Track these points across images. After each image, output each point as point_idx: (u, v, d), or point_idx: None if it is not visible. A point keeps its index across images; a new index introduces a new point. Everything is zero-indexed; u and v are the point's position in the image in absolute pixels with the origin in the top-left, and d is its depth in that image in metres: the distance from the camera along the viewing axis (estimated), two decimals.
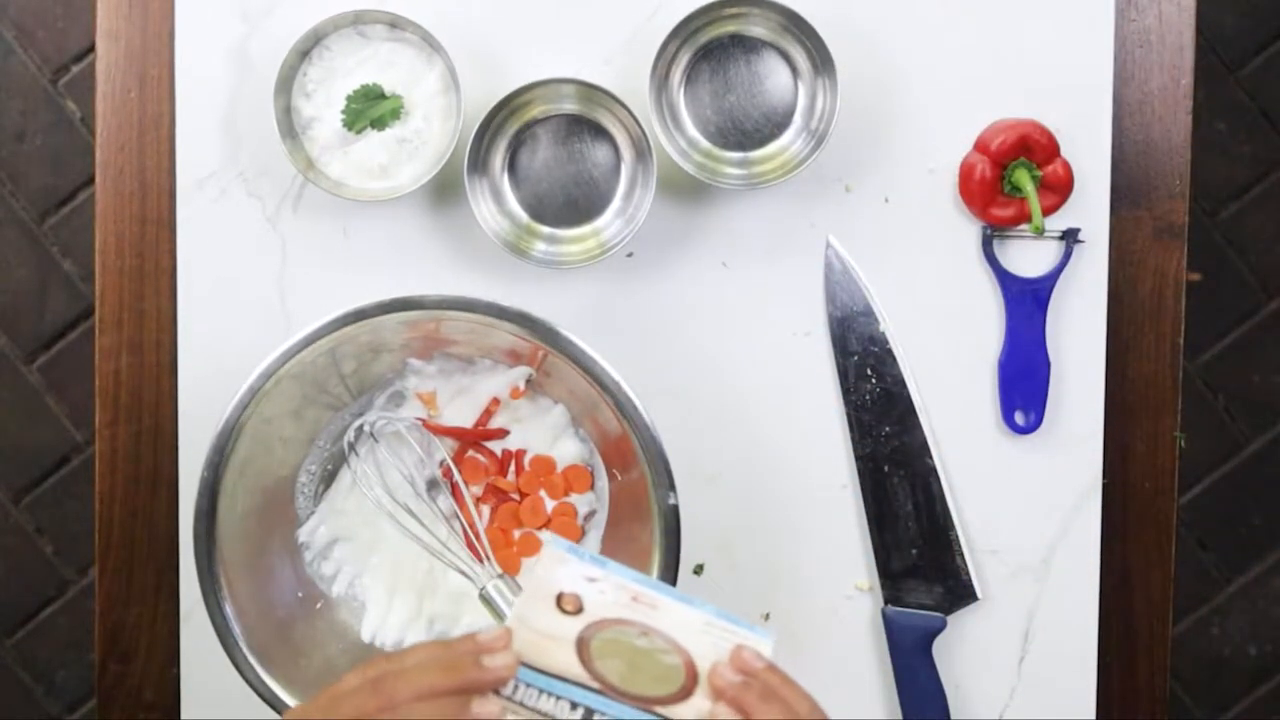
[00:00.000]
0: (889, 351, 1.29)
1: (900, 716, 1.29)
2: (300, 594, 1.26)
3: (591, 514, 1.28)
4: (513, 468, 1.26)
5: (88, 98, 2.16)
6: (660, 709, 0.94)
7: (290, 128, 1.25)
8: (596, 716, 0.93)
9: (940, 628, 1.28)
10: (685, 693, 0.95)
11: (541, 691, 0.94)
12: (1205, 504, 2.21)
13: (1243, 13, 2.18)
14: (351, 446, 1.23)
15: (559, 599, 0.98)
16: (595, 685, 0.94)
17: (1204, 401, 2.20)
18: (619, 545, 1.24)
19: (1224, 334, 2.20)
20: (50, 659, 2.23)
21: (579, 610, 0.97)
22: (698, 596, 1.00)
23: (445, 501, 1.25)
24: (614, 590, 0.99)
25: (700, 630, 0.98)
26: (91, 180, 1.32)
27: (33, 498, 2.22)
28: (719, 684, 0.95)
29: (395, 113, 1.25)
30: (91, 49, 1.36)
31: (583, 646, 0.96)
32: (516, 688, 0.94)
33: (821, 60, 1.23)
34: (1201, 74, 2.09)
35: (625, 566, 1.00)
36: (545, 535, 1.02)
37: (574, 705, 0.93)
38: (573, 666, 0.94)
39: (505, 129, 1.26)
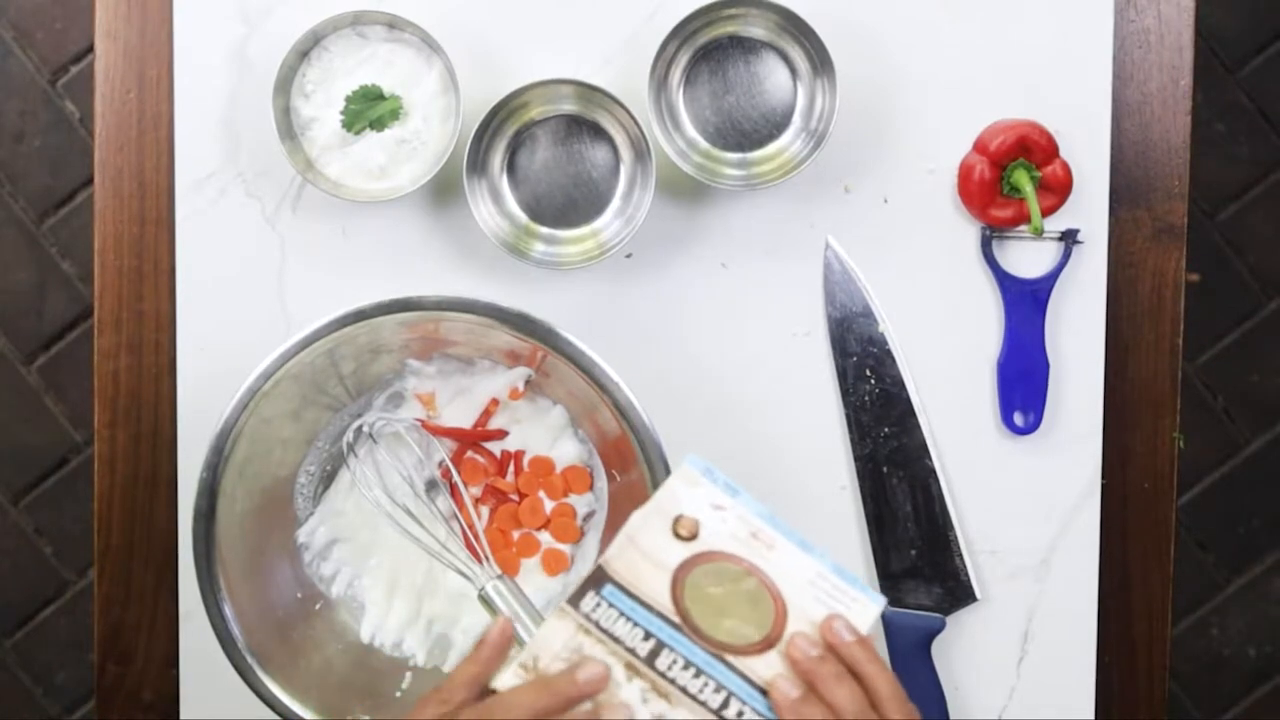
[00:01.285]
0: (888, 352, 1.29)
1: None
2: (299, 595, 1.26)
3: (591, 515, 1.28)
4: (512, 468, 1.26)
5: (87, 99, 2.16)
6: (732, 657, 0.93)
7: (289, 128, 1.25)
8: (665, 651, 0.93)
9: (939, 628, 1.28)
10: (767, 644, 0.95)
11: (621, 615, 0.93)
12: (1205, 505, 2.21)
13: (1242, 14, 2.18)
14: (350, 447, 1.23)
15: (677, 521, 0.97)
16: (676, 619, 0.93)
17: (1203, 402, 2.20)
18: None
19: (1223, 335, 2.20)
20: (49, 660, 2.23)
21: (693, 537, 0.96)
22: (821, 546, 0.98)
23: (444, 502, 1.25)
24: (735, 522, 0.97)
25: (808, 582, 0.97)
26: (90, 181, 1.32)
27: (32, 498, 2.22)
28: (795, 655, 0.94)
29: (394, 113, 1.24)
30: (90, 50, 1.36)
31: (679, 578, 0.95)
32: (599, 604, 0.94)
33: (820, 61, 1.23)
34: (1201, 75, 2.09)
35: (755, 500, 0.99)
36: (689, 456, 1.00)
37: (647, 635, 0.93)
38: (661, 596, 0.94)
39: (504, 130, 1.26)
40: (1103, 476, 1.30)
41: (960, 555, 1.29)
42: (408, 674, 1.25)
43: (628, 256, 1.29)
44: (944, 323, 1.29)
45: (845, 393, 1.29)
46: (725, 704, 0.93)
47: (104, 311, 1.30)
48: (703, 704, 0.92)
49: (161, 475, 1.30)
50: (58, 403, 2.21)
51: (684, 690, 0.92)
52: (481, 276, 1.29)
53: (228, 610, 1.18)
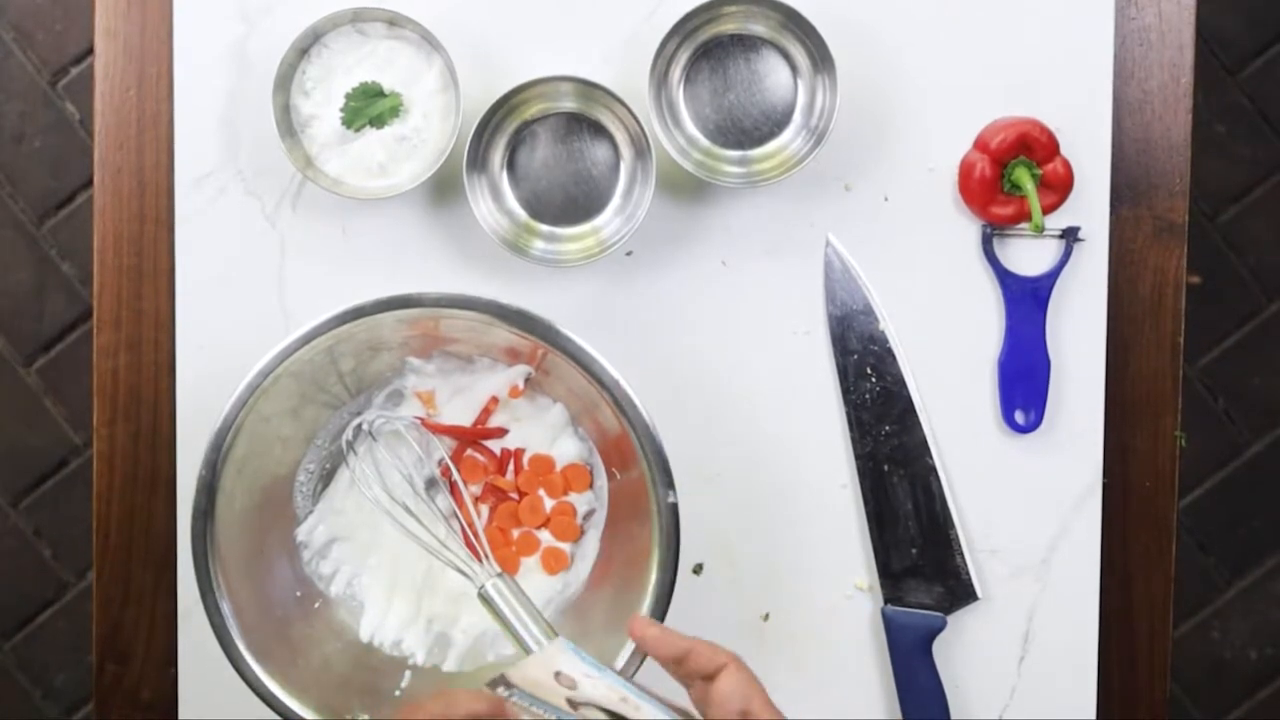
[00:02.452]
0: (889, 350, 1.28)
1: (900, 716, 1.29)
2: (298, 593, 1.25)
3: (590, 513, 1.27)
4: (511, 467, 1.26)
5: (87, 100, 2.16)
6: None
7: (289, 126, 1.25)
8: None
9: (940, 627, 1.28)
10: None
11: (533, 704, 0.99)
12: (1205, 507, 2.21)
13: (1242, 16, 2.18)
14: (350, 445, 1.23)
15: (557, 675, 1.02)
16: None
17: (1204, 404, 2.20)
18: (618, 544, 1.24)
19: (1224, 337, 2.20)
20: (48, 662, 2.22)
21: (572, 688, 1.01)
22: (677, 713, 1.01)
23: (444, 500, 1.24)
24: (605, 688, 1.01)
25: None
26: (90, 183, 1.32)
27: (31, 500, 2.22)
28: None
29: (394, 110, 1.24)
30: (90, 52, 1.35)
31: (575, 706, 1.00)
32: (512, 696, 0.99)
33: (821, 58, 1.23)
34: (1201, 77, 2.09)
35: (620, 677, 1.04)
36: (560, 640, 1.09)
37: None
38: (560, 702, 1.00)
39: (504, 127, 1.26)
40: (1104, 475, 1.29)
41: (961, 554, 1.29)
42: (407, 673, 1.25)
43: (628, 254, 1.29)
44: (945, 321, 1.29)
45: (846, 391, 1.29)
46: None
47: (103, 309, 1.30)
48: None
49: (160, 474, 1.30)
50: (57, 405, 2.21)
51: None
52: (481, 274, 1.28)
53: (226, 609, 1.18)
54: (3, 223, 2.19)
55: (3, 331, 2.20)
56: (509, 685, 1.01)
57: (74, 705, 2.22)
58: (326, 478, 1.27)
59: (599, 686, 1.02)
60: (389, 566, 1.26)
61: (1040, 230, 1.25)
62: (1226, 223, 2.19)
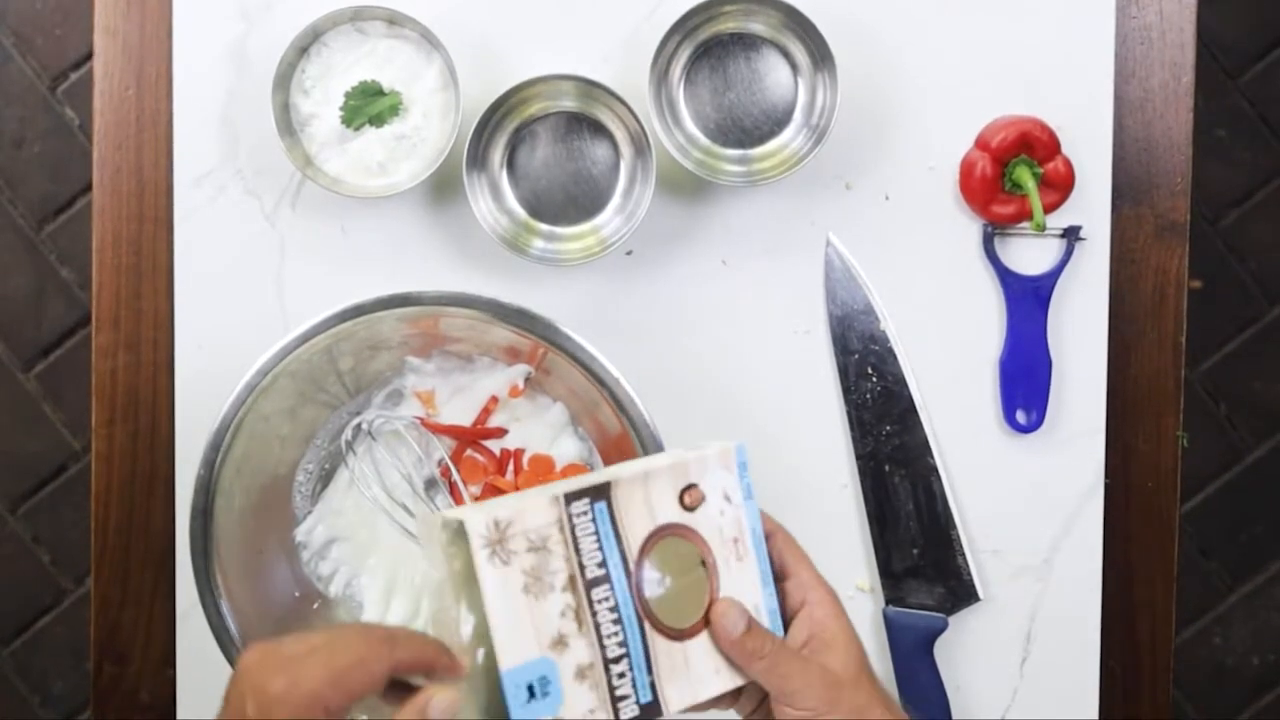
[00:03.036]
0: (889, 350, 1.28)
1: None
2: (297, 594, 1.25)
3: None
4: (511, 467, 1.25)
5: (86, 105, 2.16)
6: (649, 627, 0.94)
7: (288, 125, 1.25)
8: (606, 587, 0.92)
9: (941, 628, 1.28)
10: (679, 636, 0.95)
11: (596, 534, 0.92)
12: (1207, 512, 2.21)
13: (1243, 20, 2.18)
14: (349, 445, 1.23)
15: (689, 489, 0.96)
16: (631, 568, 0.93)
17: (1205, 409, 2.20)
18: None
19: (1225, 341, 2.20)
20: (47, 668, 2.22)
21: (691, 509, 0.96)
22: (774, 591, 0.98)
23: (443, 501, 1.24)
24: (730, 521, 0.97)
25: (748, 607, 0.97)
26: (89, 188, 1.32)
27: (29, 506, 2.21)
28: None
29: (394, 109, 1.24)
30: (90, 57, 1.35)
31: (655, 535, 0.94)
32: (586, 513, 0.92)
33: (821, 57, 1.23)
34: (1202, 81, 2.09)
35: (759, 515, 0.98)
36: (740, 444, 0.99)
37: (602, 564, 0.92)
38: (634, 540, 0.94)
39: (504, 126, 1.25)
40: (1106, 475, 1.29)
41: (962, 554, 1.28)
42: None
43: (628, 253, 1.28)
44: (946, 320, 1.28)
45: (847, 390, 1.29)
46: (618, 660, 0.93)
47: (102, 309, 1.30)
48: (602, 650, 0.92)
49: (159, 473, 1.30)
50: (56, 410, 2.21)
51: (597, 628, 0.92)
52: (481, 274, 1.28)
53: (225, 609, 1.17)
54: (2, 228, 2.19)
55: (1, 336, 2.20)
56: (600, 498, 0.93)
57: (72, 711, 2.21)
58: (325, 478, 1.27)
59: (725, 515, 0.97)
60: (388, 567, 1.26)
61: (1041, 229, 1.25)
62: (1228, 227, 2.18)
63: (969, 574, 1.28)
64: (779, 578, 0.99)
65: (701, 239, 1.29)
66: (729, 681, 0.96)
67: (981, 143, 1.26)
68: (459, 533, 0.89)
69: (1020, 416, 1.28)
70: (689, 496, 0.96)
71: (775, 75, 1.26)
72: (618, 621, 0.93)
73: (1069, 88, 1.27)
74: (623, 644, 0.93)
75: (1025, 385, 1.28)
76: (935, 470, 1.28)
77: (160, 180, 1.29)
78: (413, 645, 0.88)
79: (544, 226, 1.27)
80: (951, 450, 1.29)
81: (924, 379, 1.29)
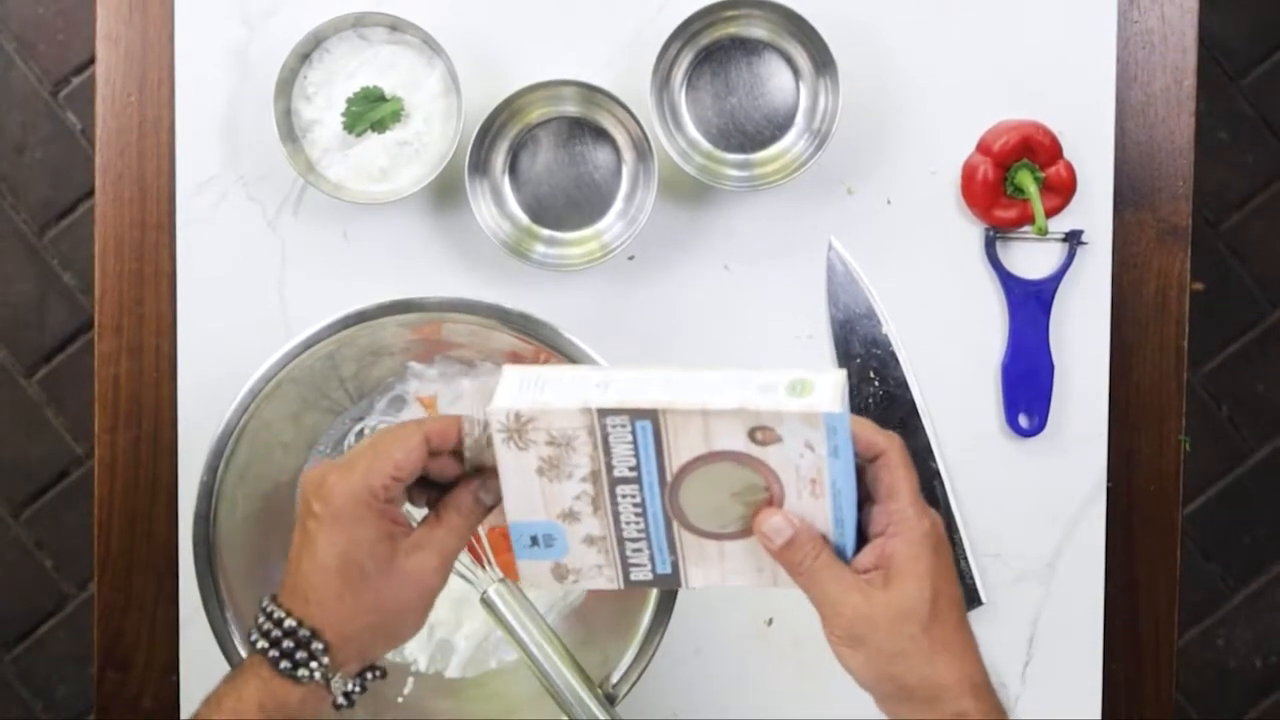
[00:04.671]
0: (891, 354, 1.28)
1: None
2: None
3: None
4: None
5: (88, 110, 2.16)
6: (680, 526, 0.92)
7: (290, 131, 1.25)
8: (633, 487, 0.90)
9: None
10: (720, 537, 0.93)
11: (632, 444, 0.89)
12: (1210, 515, 2.20)
13: (1245, 22, 2.18)
14: None
15: (761, 429, 0.88)
16: (668, 479, 0.90)
17: (1208, 412, 2.19)
18: None
19: (1227, 344, 2.19)
20: (50, 674, 2.22)
21: (764, 445, 0.88)
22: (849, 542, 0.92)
23: None
24: (809, 465, 0.89)
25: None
26: (91, 192, 1.32)
27: (32, 511, 2.21)
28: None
29: (396, 115, 1.24)
30: (92, 62, 1.35)
31: (709, 458, 0.89)
32: (623, 427, 0.88)
33: (823, 61, 1.23)
34: (1204, 83, 2.09)
35: (847, 473, 0.89)
36: (824, 410, 0.86)
37: (633, 468, 0.90)
38: (677, 461, 0.90)
39: (506, 131, 1.26)
40: (1108, 479, 1.29)
41: (965, 558, 1.28)
42: (409, 679, 1.24)
43: (630, 258, 1.28)
44: (948, 324, 1.29)
45: (849, 394, 1.28)
46: (635, 540, 0.92)
47: (104, 316, 1.30)
48: (618, 530, 0.92)
49: (162, 480, 1.30)
50: (58, 415, 2.20)
51: (615, 515, 0.91)
52: (483, 279, 1.28)
53: (228, 615, 1.17)
54: (4, 233, 2.19)
55: (4, 342, 2.20)
56: (640, 419, 0.88)
57: (75, 717, 2.21)
58: None
59: (805, 459, 0.88)
60: None
61: (1043, 233, 1.25)
62: (1229, 230, 2.18)
63: (971, 578, 1.28)
64: (872, 499, 0.91)
65: (703, 244, 1.29)
66: (771, 580, 0.94)
67: (983, 147, 1.26)
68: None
69: (1022, 420, 1.28)
70: (762, 434, 0.88)
71: (777, 80, 1.26)
72: (641, 515, 0.92)
73: (1071, 92, 1.27)
74: (642, 531, 0.92)
75: (1027, 389, 1.28)
76: (937, 474, 1.28)
77: (162, 186, 1.29)
78: (439, 421, 0.94)
79: (546, 232, 1.27)
80: (953, 454, 1.29)
81: (926, 383, 1.29)
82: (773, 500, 0.91)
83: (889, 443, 0.91)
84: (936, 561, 0.89)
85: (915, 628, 0.88)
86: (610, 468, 0.90)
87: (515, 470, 0.91)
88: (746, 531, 0.92)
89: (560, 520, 0.92)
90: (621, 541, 0.92)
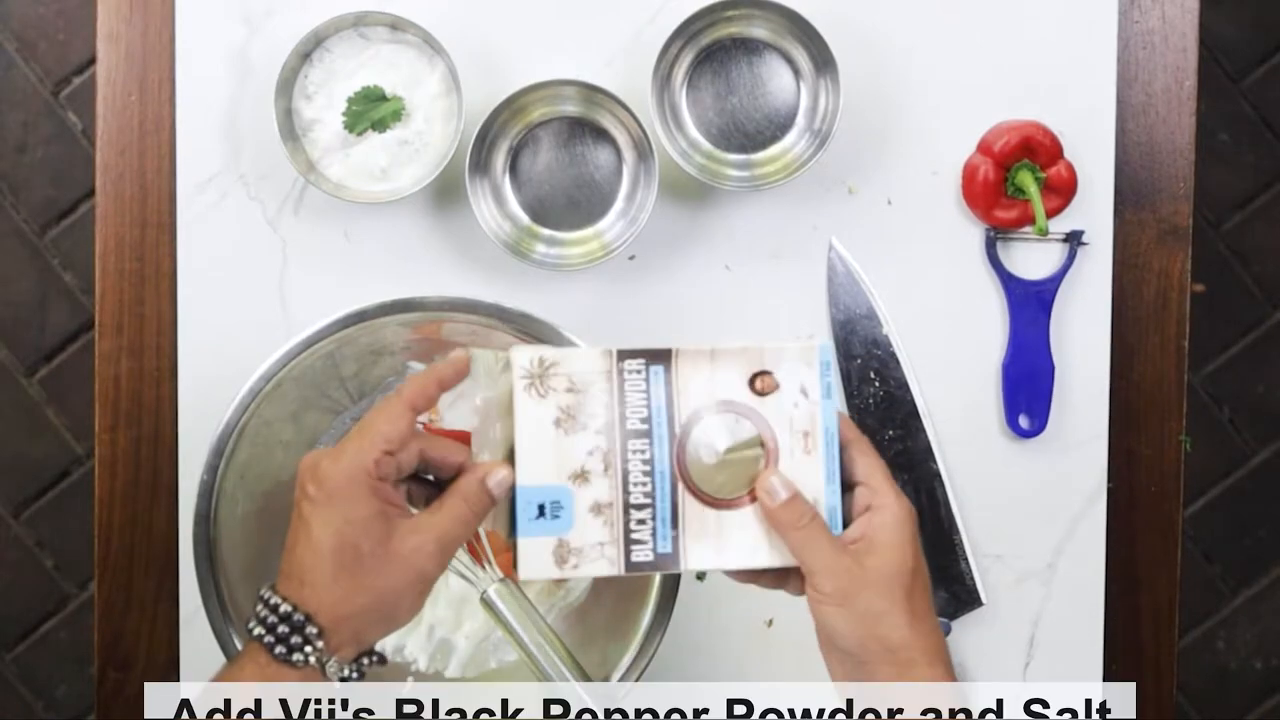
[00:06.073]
0: (892, 355, 1.28)
1: None
2: None
3: None
4: None
5: (89, 110, 2.16)
6: (683, 489, 0.95)
7: (291, 130, 1.25)
8: (644, 441, 0.95)
9: (944, 633, 1.27)
10: (718, 505, 0.96)
11: (645, 392, 0.95)
12: (1210, 516, 2.20)
13: (1246, 24, 2.18)
14: None
15: (761, 375, 0.97)
16: (677, 431, 0.95)
17: (1208, 413, 2.19)
18: None
19: (1228, 345, 2.19)
20: (50, 673, 2.22)
21: (761, 395, 0.97)
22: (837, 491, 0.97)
23: None
24: (803, 415, 0.97)
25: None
26: (92, 193, 1.32)
27: (33, 511, 2.21)
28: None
29: (396, 115, 1.24)
30: (93, 61, 1.35)
31: (711, 408, 0.96)
32: (640, 372, 0.95)
33: (823, 61, 1.23)
34: (1205, 85, 2.09)
35: (835, 416, 0.97)
36: (825, 344, 0.98)
37: (644, 420, 0.95)
38: (686, 410, 0.95)
39: (507, 131, 1.26)
40: (1109, 480, 1.29)
41: (965, 559, 1.28)
42: (409, 680, 1.24)
43: (630, 258, 1.28)
44: (948, 325, 1.29)
45: (849, 395, 1.29)
46: (640, 508, 0.95)
47: (105, 315, 1.30)
48: (625, 495, 0.95)
49: (162, 479, 1.30)
50: (59, 415, 2.20)
51: (625, 475, 0.95)
52: (484, 279, 1.28)
53: (229, 615, 1.17)
54: (5, 232, 2.19)
55: (5, 341, 2.20)
56: (659, 363, 0.95)
57: (76, 717, 2.21)
58: None
59: (799, 408, 0.96)
60: None
61: (1044, 234, 1.25)
62: (1230, 230, 2.18)
63: (972, 579, 1.28)
64: (850, 485, 0.98)
65: (704, 244, 1.29)
66: (765, 559, 0.97)
67: (984, 147, 1.26)
68: (508, 365, 0.94)
69: (1023, 421, 1.28)
70: (760, 382, 0.96)
71: (777, 80, 1.26)
72: (649, 475, 0.95)
73: (1071, 92, 1.27)
74: (649, 495, 0.95)
75: (1028, 390, 1.28)
76: (938, 475, 1.28)
77: (163, 186, 1.30)
78: (415, 381, 0.96)
79: (546, 231, 1.27)
80: (954, 455, 1.29)
81: (926, 384, 1.29)
82: (769, 461, 0.96)
83: (856, 434, 0.99)
84: (914, 540, 0.97)
85: (900, 592, 0.94)
86: (624, 419, 0.95)
87: (533, 421, 0.94)
88: (744, 500, 0.96)
89: (570, 483, 0.94)
90: (627, 509, 0.95)
